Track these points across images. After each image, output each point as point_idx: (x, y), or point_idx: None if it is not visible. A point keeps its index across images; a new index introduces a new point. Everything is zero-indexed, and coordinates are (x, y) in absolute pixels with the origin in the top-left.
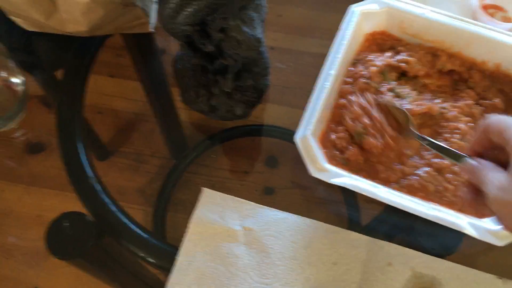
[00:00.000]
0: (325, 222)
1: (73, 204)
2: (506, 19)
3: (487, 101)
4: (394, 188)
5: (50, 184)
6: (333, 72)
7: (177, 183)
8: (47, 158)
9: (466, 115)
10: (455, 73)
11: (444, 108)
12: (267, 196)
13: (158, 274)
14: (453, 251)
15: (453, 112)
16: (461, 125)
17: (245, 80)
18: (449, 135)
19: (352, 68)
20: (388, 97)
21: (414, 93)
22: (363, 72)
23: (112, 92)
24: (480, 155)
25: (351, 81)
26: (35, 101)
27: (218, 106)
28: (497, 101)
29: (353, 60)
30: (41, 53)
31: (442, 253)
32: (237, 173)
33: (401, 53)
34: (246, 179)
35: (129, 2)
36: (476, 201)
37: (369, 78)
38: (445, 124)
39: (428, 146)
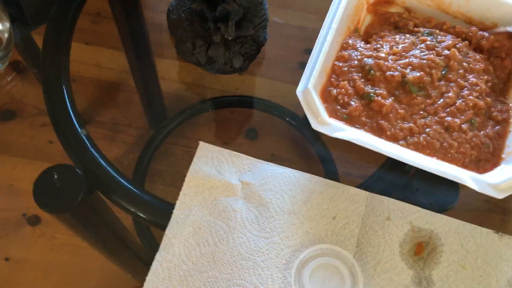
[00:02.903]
0: None
1: None
2: None
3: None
4: (401, 145)
5: (22, 153)
6: (335, 25)
7: (155, 154)
8: (17, 126)
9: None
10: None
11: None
12: None
13: (141, 242)
14: (450, 207)
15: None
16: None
17: (246, 30)
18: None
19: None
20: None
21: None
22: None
23: (87, 59)
24: None
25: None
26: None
27: (216, 58)
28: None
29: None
30: (23, 3)
31: (439, 209)
32: (216, 145)
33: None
34: None
35: None
36: None
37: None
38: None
39: None
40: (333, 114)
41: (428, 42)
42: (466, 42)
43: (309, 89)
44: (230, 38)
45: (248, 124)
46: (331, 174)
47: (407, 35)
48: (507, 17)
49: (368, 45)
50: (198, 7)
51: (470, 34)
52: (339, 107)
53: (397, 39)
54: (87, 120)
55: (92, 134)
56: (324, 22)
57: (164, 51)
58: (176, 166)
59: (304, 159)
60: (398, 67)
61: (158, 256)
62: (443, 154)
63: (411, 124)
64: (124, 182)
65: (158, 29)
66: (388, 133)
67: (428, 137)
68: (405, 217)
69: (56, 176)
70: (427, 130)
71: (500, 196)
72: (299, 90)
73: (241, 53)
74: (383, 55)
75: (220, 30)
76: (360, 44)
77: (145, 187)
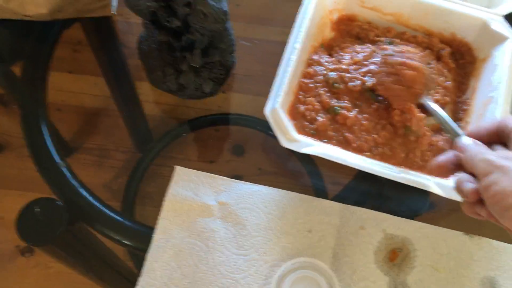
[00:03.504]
0: None
1: None
2: None
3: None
4: (367, 156)
5: (11, 185)
6: (298, 45)
7: (143, 177)
8: (5, 158)
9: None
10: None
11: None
12: None
13: (129, 264)
14: (421, 213)
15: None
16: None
17: (212, 56)
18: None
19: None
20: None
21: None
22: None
23: (71, 88)
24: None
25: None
26: None
27: (187, 85)
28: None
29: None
30: None
31: (411, 215)
32: (204, 163)
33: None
34: (213, 169)
35: None
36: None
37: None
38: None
39: (431, 112)
40: (301, 130)
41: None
42: (428, 51)
43: (276, 108)
44: (197, 66)
45: (234, 141)
46: (316, 185)
47: (368, 45)
48: (464, 26)
49: (332, 58)
50: (165, 38)
51: (431, 44)
52: (307, 123)
53: (358, 49)
54: (74, 147)
55: (80, 161)
56: (287, 42)
57: (144, 74)
58: (165, 187)
59: (290, 172)
60: (358, 76)
61: (141, 281)
62: (410, 163)
63: (375, 136)
64: (105, 210)
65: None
66: (354, 145)
67: (393, 148)
68: (378, 225)
69: (38, 209)
70: (390, 141)
71: None
72: (267, 110)
73: (210, 78)
74: (344, 66)
75: (186, 59)
76: (325, 59)
77: (136, 210)
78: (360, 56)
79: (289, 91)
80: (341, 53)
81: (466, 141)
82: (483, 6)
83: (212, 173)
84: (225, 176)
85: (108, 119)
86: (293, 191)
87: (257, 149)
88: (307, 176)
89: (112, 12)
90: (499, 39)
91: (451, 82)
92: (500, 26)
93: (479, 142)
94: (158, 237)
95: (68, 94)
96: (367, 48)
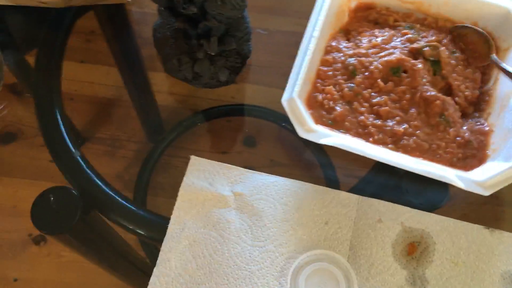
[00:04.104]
0: None
1: None
2: None
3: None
4: (390, 149)
5: (24, 174)
6: (316, 34)
7: (155, 167)
8: (18, 148)
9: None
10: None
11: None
12: None
13: (142, 254)
14: (440, 206)
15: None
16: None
17: (229, 44)
18: None
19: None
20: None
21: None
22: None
23: (84, 78)
24: None
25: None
26: (3, 89)
27: (202, 73)
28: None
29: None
30: (13, 30)
31: (429, 208)
32: (216, 154)
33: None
34: (225, 160)
35: None
36: None
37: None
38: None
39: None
40: (319, 120)
41: (409, 36)
42: (449, 36)
43: (293, 98)
44: (213, 54)
45: (246, 132)
46: (329, 177)
47: (387, 29)
48: (486, 15)
49: (350, 43)
50: (181, 25)
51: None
52: (324, 113)
53: (376, 33)
54: (87, 137)
55: (93, 151)
56: (306, 30)
57: (157, 65)
58: (177, 178)
59: (303, 164)
60: (378, 59)
61: (155, 271)
62: (432, 155)
63: (397, 127)
64: (120, 199)
65: (149, 44)
66: (376, 137)
67: (418, 140)
68: (396, 218)
69: (52, 198)
70: (417, 132)
71: (486, 193)
72: (284, 100)
73: (226, 66)
74: (363, 51)
75: (203, 46)
76: (344, 44)
77: (147, 200)
78: (379, 40)
79: (306, 80)
80: (359, 37)
81: None
82: None
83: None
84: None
85: (120, 109)
86: (307, 182)
87: (269, 141)
88: (320, 168)
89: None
90: None
91: (477, 72)
92: None
93: None
94: (173, 227)
95: (81, 84)
96: (386, 32)
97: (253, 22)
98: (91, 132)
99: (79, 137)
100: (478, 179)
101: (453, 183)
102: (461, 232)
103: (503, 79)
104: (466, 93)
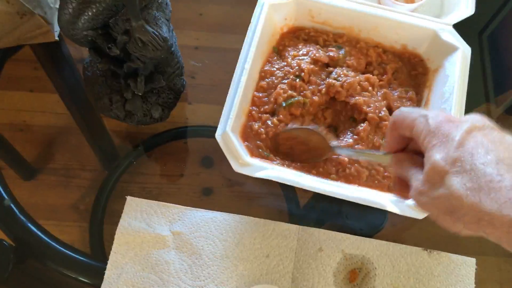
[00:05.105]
0: (265, 215)
1: None
2: (409, 0)
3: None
4: (332, 179)
5: None
6: (247, 66)
7: (111, 195)
8: None
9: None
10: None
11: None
12: (205, 197)
13: None
14: (380, 229)
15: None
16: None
17: (158, 82)
18: None
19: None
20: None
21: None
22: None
23: (33, 107)
24: (401, 148)
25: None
26: None
27: (134, 111)
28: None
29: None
30: None
31: (370, 232)
32: (173, 177)
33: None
34: (183, 182)
35: (26, 12)
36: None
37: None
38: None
39: (351, 157)
40: (255, 152)
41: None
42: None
43: (227, 132)
44: (140, 94)
45: (203, 152)
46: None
47: (312, 44)
48: (415, 38)
49: (283, 63)
50: (105, 67)
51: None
52: (260, 143)
53: (300, 47)
54: (39, 168)
55: (46, 182)
56: (237, 62)
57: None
58: None
59: (262, 181)
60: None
61: None
62: (371, 182)
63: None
64: (57, 246)
65: None
66: (320, 169)
67: (359, 166)
68: (337, 246)
69: None
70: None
71: (420, 216)
72: (218, 135)
73: (158, 103)
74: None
75: (130, 86)
76: (276, 66)
77: (104, 229)
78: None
79: (239, 111)
80: (289, 52)
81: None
82: (435, 15)
83: (182, 186)
84: (195, 190)
85: (73, 138)
86: (264, 202)
87: (226, 160)
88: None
89: (56, 38)
90: (450, 49)
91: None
92: (450, 36)
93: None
94: (109, 272)
95: (31, 114)
96: (310, 47)
97: (201, 41)
98: (43, 163)
99: (30, 168)
100: (412, 203)
101: (388, 209)
102: (400, 256)
103: (433, 99)
104: None
